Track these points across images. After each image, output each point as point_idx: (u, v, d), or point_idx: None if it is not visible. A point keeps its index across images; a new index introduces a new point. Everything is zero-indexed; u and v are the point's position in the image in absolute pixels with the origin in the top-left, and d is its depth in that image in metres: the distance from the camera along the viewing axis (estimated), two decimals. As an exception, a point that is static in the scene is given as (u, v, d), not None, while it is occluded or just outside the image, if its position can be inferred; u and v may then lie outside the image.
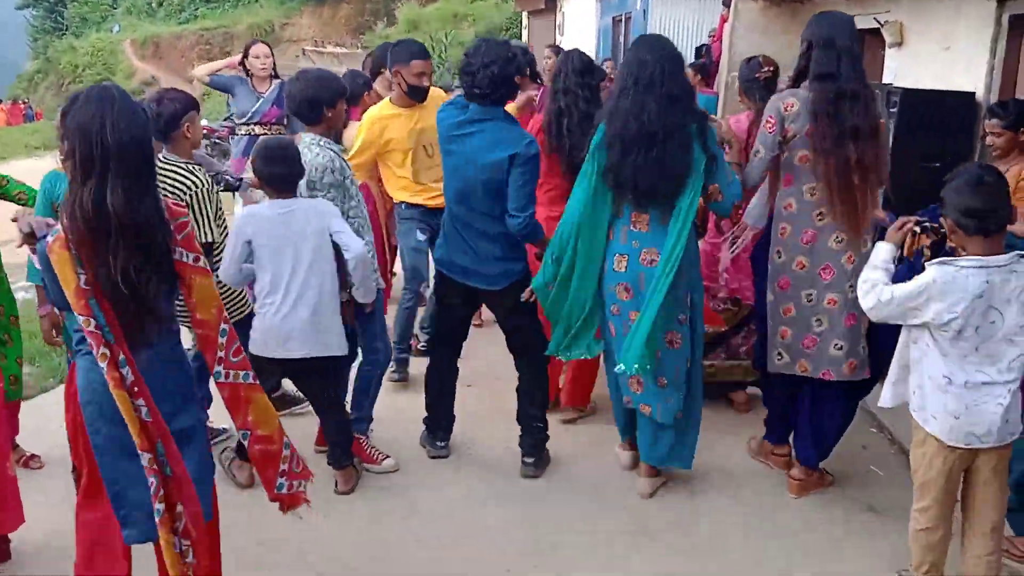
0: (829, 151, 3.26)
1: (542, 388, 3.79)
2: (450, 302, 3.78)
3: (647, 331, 3.17)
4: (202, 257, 2.34)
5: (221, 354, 2.36)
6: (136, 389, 2.24)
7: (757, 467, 3.87)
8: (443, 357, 3.87)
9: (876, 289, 2.68)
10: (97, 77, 39.93)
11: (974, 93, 5.25)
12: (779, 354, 3.53)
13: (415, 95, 4.27)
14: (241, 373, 2.41)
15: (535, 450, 3.76)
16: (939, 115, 5.08)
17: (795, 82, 3.49)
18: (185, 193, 3.41)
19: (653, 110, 3.17)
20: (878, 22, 6.73)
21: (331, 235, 3.32)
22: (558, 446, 3.94)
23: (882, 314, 2.70)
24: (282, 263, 3.28)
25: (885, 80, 6.59)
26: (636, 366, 3.20)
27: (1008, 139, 3.63)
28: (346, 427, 3.67)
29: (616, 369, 3.35)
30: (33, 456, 3.85)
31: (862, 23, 7.35)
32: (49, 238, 2.21)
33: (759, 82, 4.19)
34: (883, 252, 2.76)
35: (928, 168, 4.84)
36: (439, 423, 3.92)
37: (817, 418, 3.56)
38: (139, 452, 2.24)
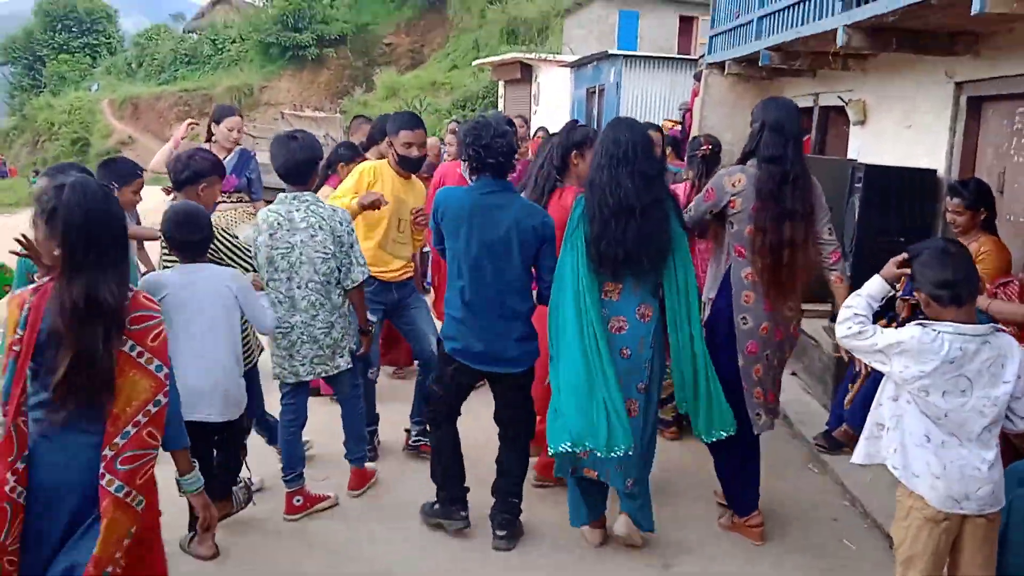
0: (767, 229, 3.46)
1: (524, 464, 3.76)
2: (459, 385, 3.70)
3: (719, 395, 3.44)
4: (148, 355, 2.29)
5: (109, 453, 2.24)
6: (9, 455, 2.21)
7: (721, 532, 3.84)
8: (450, 433, 3.75)
9: (856, 320, 2.73)
10: (73, 135, 40.04)
11: (936, 170, 5.41)
12: (758, 414, 3.65)
13: (404, 165, 4.32)
14: (116, 483, 2.25)
15: (509, 524, 3.71)
16: (902, 191, 5.22)
17: (743, 159, 3.68)
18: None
19: (628, 186, 3.29)
20: (843, 100, 6.95)
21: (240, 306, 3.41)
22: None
23: (851, 344, 2.76)
24: (189, 326, 3.25)
25: (849, 156, 6.78)
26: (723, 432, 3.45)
27: (968, 217, 3.86)
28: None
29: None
30: None
31: (826, 100, 7.60)
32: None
33: (698, 158, 4.83)
34: (875, 286, 2.80)
35: (892, 242, 4.96)
36: (456, 496, 3.76)
37: (754, 464, 3.79)
38: None
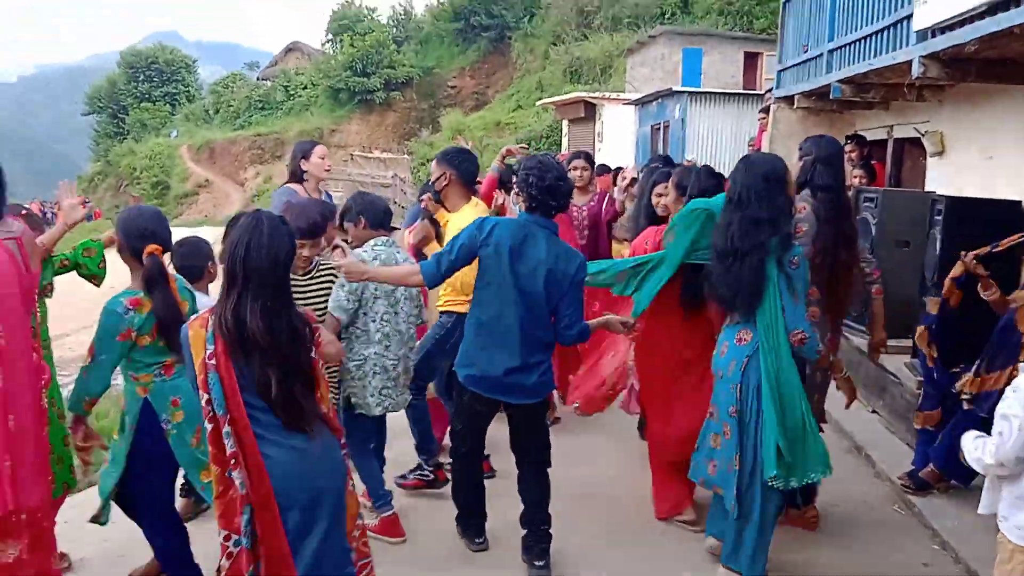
0: (827, 250, 3.78)
1: (548, 489, 3.74)
2: (477, 415, 3.71)
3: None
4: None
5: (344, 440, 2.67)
6: (234, 462, 2.37)
7: None
8: (474, 465, 3.86)
9: (985, 445, 2.56)
10: (154, 179, 41.72)
11: (1020, 201, 5.25)
12: None
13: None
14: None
15: (544, 553, 3.68)
16: (985, 223, 5.05)
17: (797, 190, 3.82)
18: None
19: (735, 229, 3.37)
20: (919, 132, 6.82)
21: None
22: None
23: (1004, 456, 2.50)
24: None
25: (927, 188, 6.63)
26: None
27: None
28: None
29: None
30: (63, 555, 3.56)
31: (901, 132, 7.47)
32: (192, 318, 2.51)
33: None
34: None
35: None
36: (474, 522, 3.91)
37: None
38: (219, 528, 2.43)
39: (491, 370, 3.51)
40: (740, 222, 3.35)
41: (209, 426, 2.39)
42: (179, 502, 3.91)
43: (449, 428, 4.03)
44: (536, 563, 3.66)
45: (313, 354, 2.52)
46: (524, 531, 3.73)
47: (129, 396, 3.12)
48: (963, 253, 4.16)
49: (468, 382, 3.59)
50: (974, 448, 2.59)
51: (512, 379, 3.51)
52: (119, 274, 3.34)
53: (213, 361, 2.36)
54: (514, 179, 4.06)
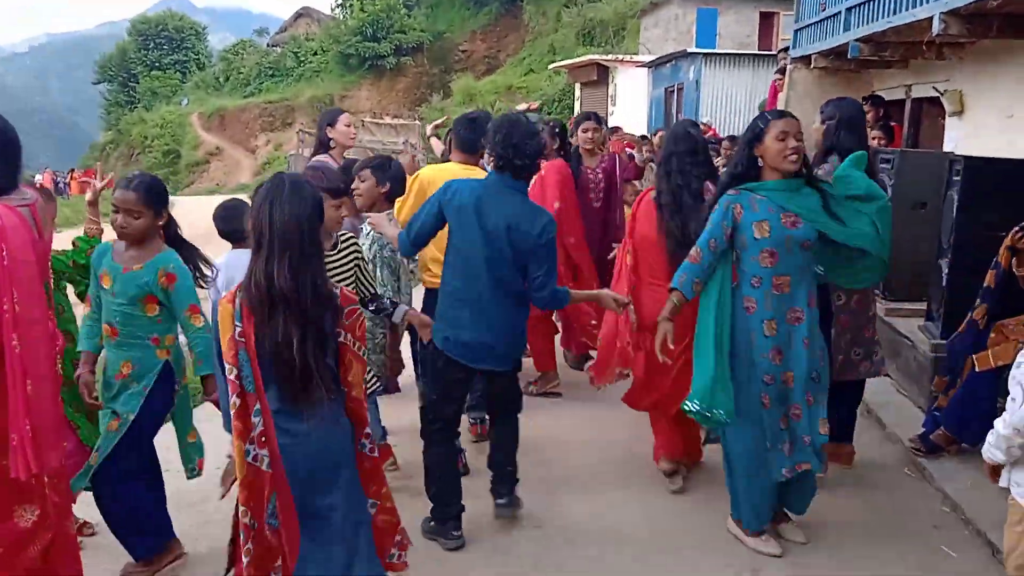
0: None
1: (516, 437, 3.81)
2: (455, 385, 3.62)
3: None
4: (358, 344, 2.49)
5: (368, 430, 2.58)
6: (263, 439, 2.39)
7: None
8: (448, 443, 3.69)
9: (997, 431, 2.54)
10: (165, 147, 41.78)
11: (1040, 161, 5.15)
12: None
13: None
14: (379, 447, 2.66)
15: (511, 491, 3.78)
16: (1005, 183, 4.96)
17: (824, 154, 3.87)
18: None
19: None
20: (938, 91, 6.69)
21: None
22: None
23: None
24: None
25: (946, 148, 6.51)
26: None
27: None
28: None
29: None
30: (86, 523, 3.59)
31: (919, 92, 7.33)
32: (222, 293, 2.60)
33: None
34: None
35: (994, 237, 4.73)
36: (451, 511, 3.64)
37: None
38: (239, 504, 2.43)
39: (462, 334, 3.46)
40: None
41: (237, 401, 2.38)
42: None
43: (420, 407, 3.86)
44: (499, 501, 3.77)
45: (344, 338, 2.45)
46: (491, 473, 3.80)
47: (147, 359, 3.19)
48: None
49: (442, 345, 3.52)
50: (990, 437, 2.58)
51: (483, 344, 3.46)
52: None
53: (243, 340, 2.36)
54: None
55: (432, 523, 3.66)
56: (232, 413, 2.38)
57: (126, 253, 3.16)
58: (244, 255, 3.60)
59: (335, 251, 3.50)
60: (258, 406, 2.37)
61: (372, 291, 3.69)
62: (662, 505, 4.05)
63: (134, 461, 3.21)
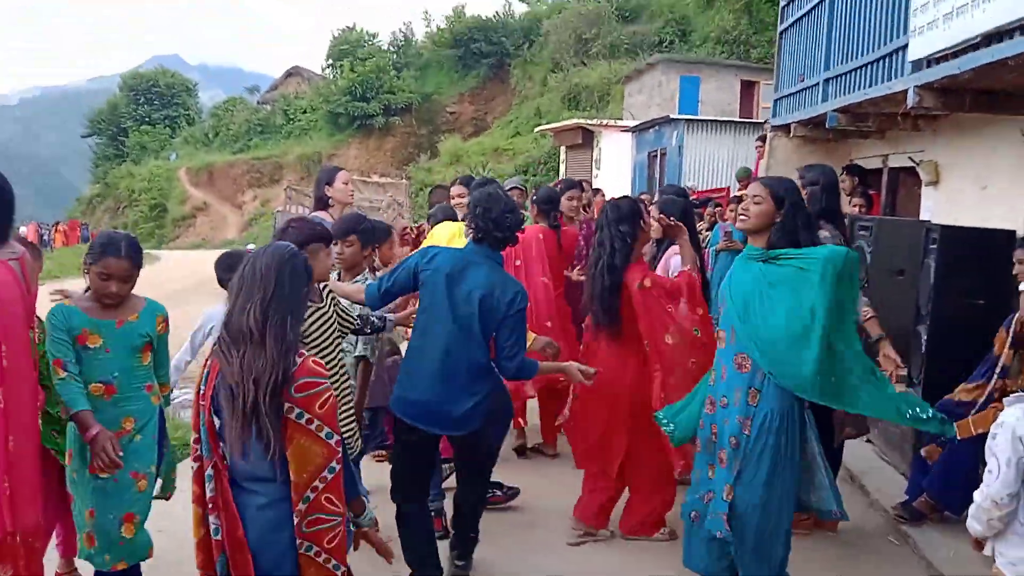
0: None
1: (480, 504, 3.85)
2: (411, 449, 3.59)
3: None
4: (318, 422, 2.28)
5: (295, 520, 2.31)
6: (211, 506, 2.35)
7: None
8: (418, 506, 3.64)
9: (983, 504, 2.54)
10: (152, 201, 41.84)
11: (1015, 231, 5.25)
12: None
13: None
14: (306, 544, 2.32)
15: (468, 555, 3.81)
16: (980, 252, 5.07)
17: (815, 218, 3.86)
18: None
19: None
20: (913, 161, 6.85)
21: None
22: None
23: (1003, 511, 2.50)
24: None
25: (922, 217, 6.64)
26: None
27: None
28: None
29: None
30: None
31: (896, 161, 7.50)
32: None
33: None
34: None
35: (971, 305, 4.81)
36: None
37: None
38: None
39: (412, 394, 3.46)
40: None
41: (195, 465, 2.38)
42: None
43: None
44: (457, 562, 3.79)
45: (288, 410, 2.26)
46: (452, 531, 3.85)
47: (146, 409, 3.24)
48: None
49: (393, 405, 3.53)
50: (971, 509, 2.59)
51: (435, 407, 3.43)
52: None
53: (204, 402, 2.34)
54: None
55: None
56: (192, 477, 2.38)
57: (108, 308, 3.14)
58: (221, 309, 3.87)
59: (322, 302, 3.51)
60: (210, 471, 2.34)
61: (352, 319, 3.71)
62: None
63: None
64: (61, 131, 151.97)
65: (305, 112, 44.66)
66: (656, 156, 18.22)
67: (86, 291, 3.20)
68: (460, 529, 3.81)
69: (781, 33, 9.27)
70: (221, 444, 2.34)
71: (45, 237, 34.58)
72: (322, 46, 45.60)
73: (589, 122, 22.89)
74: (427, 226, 5.31)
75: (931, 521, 4.34)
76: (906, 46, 5.43)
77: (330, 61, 44.30)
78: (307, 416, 2.27)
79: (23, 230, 31.80)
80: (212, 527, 2.35)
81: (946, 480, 4.16)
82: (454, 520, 3.83)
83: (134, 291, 3.22)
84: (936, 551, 4.09)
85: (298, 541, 2.31)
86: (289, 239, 3.21)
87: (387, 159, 39.83)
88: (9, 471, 2.49)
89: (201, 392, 2.37)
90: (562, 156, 26.20)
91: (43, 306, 3.44)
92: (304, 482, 2.28)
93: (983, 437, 3.15)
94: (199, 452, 2.37)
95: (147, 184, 43.01)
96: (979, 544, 2.66)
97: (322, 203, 4.91)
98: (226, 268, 3.89)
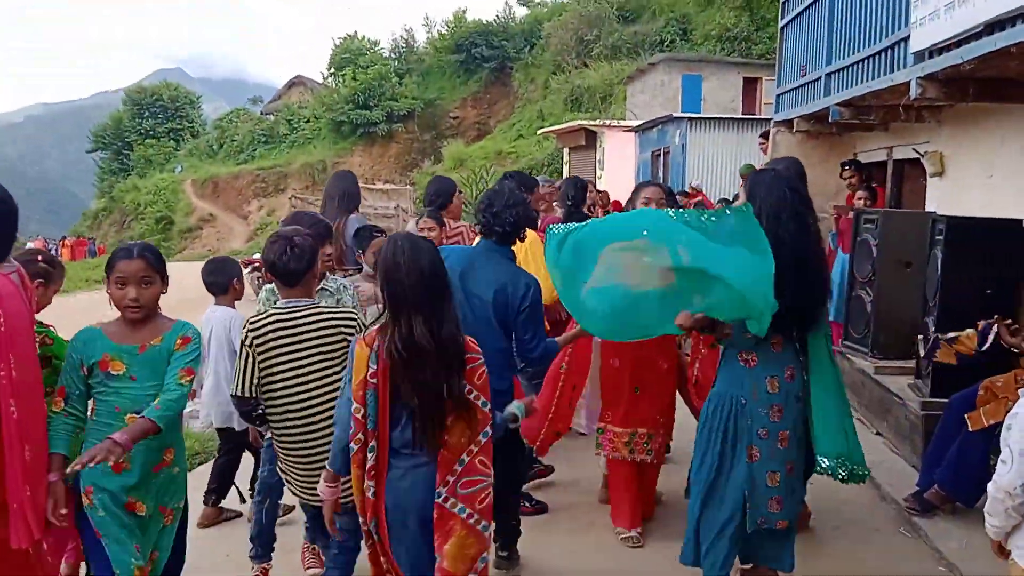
0: None
1: (519, 490, 3.92)
2: None
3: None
4: (475, 392, 2.62)
5: (451, 478, 2.61)
6: (373, 472, 2.60)
7: None
8: None
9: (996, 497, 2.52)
10: (158, 214, 41.97)
11: (1020, 220, 5.23)
12: None
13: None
14: (459, 505, 2.61)
15: (512, 544, 3.85)
16: (987, 242, 5.04)
17: None
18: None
19: (804, 239, 3.19)
20: (919, 153, 6.82)
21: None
22: None
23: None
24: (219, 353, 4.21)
25: (928, 208, 6.62)
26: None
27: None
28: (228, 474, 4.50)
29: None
30: None
31: (900, 153, 7.47)
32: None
33: None
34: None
35: (979, 295, 4.78)
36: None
37: None
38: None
39: None
40: (806, 231, 3.19)
41: (361, 437, 2.59)
42: (201, 512, 4.41)
43: None
44: (500, 553, 3.82)
45: (470, 392, 2.61)
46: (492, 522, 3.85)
47: (179, 438, 3.02)
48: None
49: None
50: (987, 506, 2.56)
51: None
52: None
53: (374, 380, 2.56)
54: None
55: None
56: (355, 447, 2.59)
57: (133, 332, 2.84)
58: (219, 311, 4.20)
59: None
60: (374, 443, 2.58)
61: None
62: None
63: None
64: (67, 147, 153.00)
65: (308, 121, 44.81)
66: (659, 155, 18.21)
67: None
68: (501, 518, 3.74)
69: (782, 28, 9.25)
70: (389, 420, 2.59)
71: (52, 252, 34.77)
72: (324, 51, 45.76)
73: (592, 123, 22.90)
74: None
75: (943, 513, 4.31)
76: (908, 37, 5.41)
77: (332, 70, 44.46)
78: (467, 387, 2.60)
79: (30, 245, 31.97)
80: (370, 491, 2.61)
81: (958, 472, 4.13)
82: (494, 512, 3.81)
83: (165, 313, 2.95)
84: (948, 542, 4.06)
85: (451, 502, 2.59)
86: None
87: (391, 166, 39.93)
88: (28, 480, 2.51)
89: (371, 371, 2.55)
90: (565, 158, 26.21)
91: (71, 320, 3.42)
92: (462, 446, 2.60)
93: (994, 428, 3.14)
94: (364, 425, 2.57)
95: (153, 197, 43.16)
96: (1002, 550, 2.63)
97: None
98: (211, 272, 4.32)
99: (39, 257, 3.45)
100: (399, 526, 2.64)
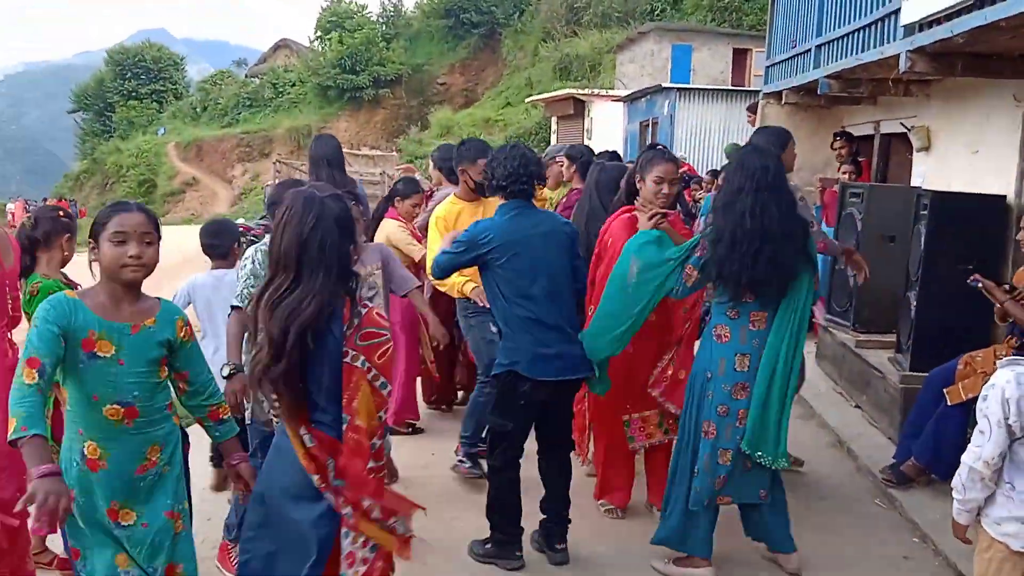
0: None
1: (570, 476, 3.79)
2: (534, 408, 3.62)
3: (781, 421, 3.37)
4: (374, 371, 2.40)
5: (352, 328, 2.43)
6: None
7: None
8: (515, 477, 3.69)
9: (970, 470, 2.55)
10: (140, 177, 41.51)
11: (1005, 196, 5.24)
12: None
13: (480, 191, 4.45)
14: (361, 359, 2.41)
15: (564, 537, 3.75)
16: (970, 218, 5.06)
17: None
18: None
19: (773, 212, 3.26)
20: (905, 127, 6.81)
21: None
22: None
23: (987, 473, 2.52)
24: (213, 319, 3.88)
25: (913, 183, 6.63)
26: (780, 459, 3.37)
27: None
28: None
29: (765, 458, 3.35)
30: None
31: (888, 127, 7.46)
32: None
33: None
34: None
35: (962, 270, 4.80)
36: (515, 537, 3.72)
37: None
38: None
39: (549, 350, 3.50)
40: (779, 204, 3.27)
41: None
42: (211, 474, 4.23)
43: (488, 439, 3.88)
44: (557, 546, 3.73)
45: (349, 357, 2.39)
46: (544, 516, 3.76)
47: (172, 434, 2.60)
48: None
49: (528, 369, 3.49)
50: (963, 480, 2.58)
51: (567, 355, 3.53)
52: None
53: None
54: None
55: (490, 546, 3.72)
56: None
57: (122, 308, 2.43)
58: (201, 277, 3.98)
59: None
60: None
61: None
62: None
63: None
64: (47, 107, 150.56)
65: (294, 85, 44.27)
66: (648, 125, 18.14)
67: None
68: (554, 510, 3.74)
69: (773, -1, 9.17)
70: None
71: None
72: (311, 18, 45.10)
73: (581, 92, 22.75)
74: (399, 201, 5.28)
75: (918, 485, 4.37)
76: (898, 10, 5.37)
77: (319, 33, 43.82)
78: (368, 364, 2.43)
79: (10, 207, 31.60)
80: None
81: (935, 445, 4.18)
82: (547, 502, 3.75)
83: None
84: (923, 514, 4.12)
85: (352, 354, 2.37)
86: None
87: (377, 131, 39.58)
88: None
89: None
90: (553, 127, 26.06)
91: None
92: (363, 428, 2.38)
93: (973, 402, 3.17)
94: None
95: (135, 160, 42.64)
96: (965, 533, 2.67)
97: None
98: (213, 235, 4.03)
99: (60, 213, 3.44)
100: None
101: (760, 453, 3.34)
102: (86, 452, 2.36)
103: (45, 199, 38.66)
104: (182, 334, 2.51)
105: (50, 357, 2.22)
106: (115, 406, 2.36)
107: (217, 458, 4.33)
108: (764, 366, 3.32)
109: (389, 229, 5.16)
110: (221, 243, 3.99)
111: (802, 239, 3.35)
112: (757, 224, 3.22)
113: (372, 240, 4.90)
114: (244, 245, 4.32)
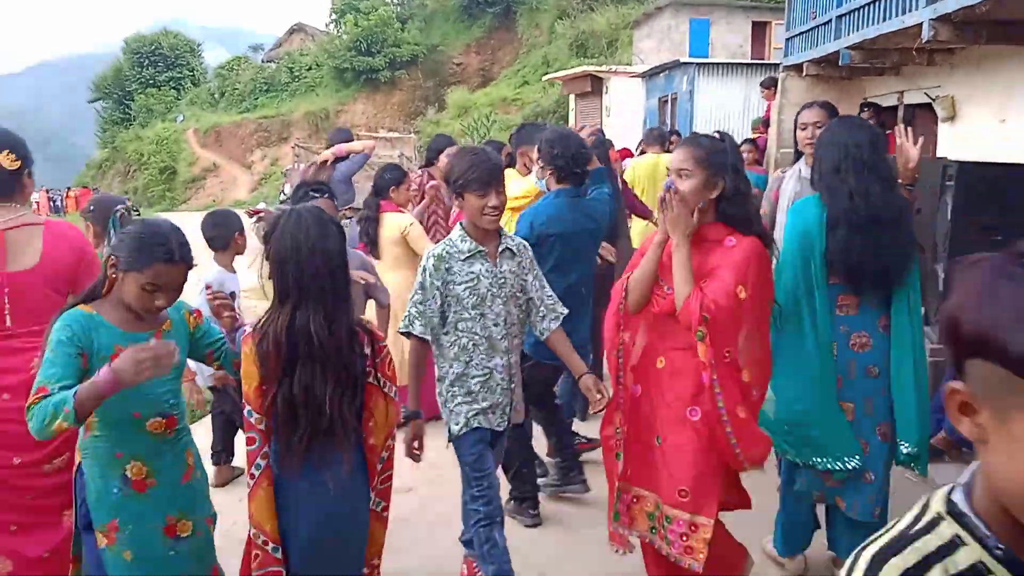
0: None
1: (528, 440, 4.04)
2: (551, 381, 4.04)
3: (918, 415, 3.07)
4: (394, 387, 2.45)
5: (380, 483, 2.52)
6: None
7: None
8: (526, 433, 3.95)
9: None
10: (161, 164, 41.78)
11: (1033, 165, 5.18)
12: None
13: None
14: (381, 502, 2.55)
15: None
16: (998, 187, 5.00)
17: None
18: None
19: (876, 192, 2.97)
20: (929, 97, 6.73)
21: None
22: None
23: None
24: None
25: (939, 154, 6.54)
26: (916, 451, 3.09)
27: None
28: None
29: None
30: None
31: (912, 98, 7.37)
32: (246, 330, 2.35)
33: None
34: None
35: (990, 241, 4.75)
36: (534, 491, 4.00)
37: None
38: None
39: (574, 334, 3.50)
40: (880, 183, 2.97)
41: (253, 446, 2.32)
42: (212, 470, 4.26)
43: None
44: (531, 511, 3.97)
45: (372, 378, 2.37)
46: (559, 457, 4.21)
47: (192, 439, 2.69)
48: None
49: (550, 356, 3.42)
50: None
51: (578, 336, 3.60)
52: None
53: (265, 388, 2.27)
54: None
55: (510, 502, 3.94)
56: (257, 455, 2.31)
57: (138, 319, 2.35)
58: (206, 275, 3.90)
59: None
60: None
61: None
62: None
63: None
64: (69, 98, 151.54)
65: (310, 69, 44.23)
66: (667, 101, 17.97)
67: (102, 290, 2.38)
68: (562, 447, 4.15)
69: (792, -31, 9.04)
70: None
71: (57, 203, 34.72)
72: (325, 1, 45.02)
73: (598, 69, 22.55)
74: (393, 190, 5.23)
75: (950, 458, 4.36)
76: (921, -23, 5.30)
77: (334, 16, 43.70)
78: (383, 379, 2.50)
79: (34, 197, 31.92)
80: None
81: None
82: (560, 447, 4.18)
83: None
84: (954, 487, 4.11)
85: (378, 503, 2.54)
86: None
87: (394, 113, 39.51)
88: None
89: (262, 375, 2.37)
90: (571, 104, 25.88)
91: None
92: (379, 446, 2.48)
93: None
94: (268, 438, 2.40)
95: (155, 147, 42.87)
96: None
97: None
98: (213, 226, 4.15)
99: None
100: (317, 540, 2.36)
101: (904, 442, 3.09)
102: (130, 475, 2.30)
103: (68, 188, 39.06)
104: (192, 322, 2.50)
105: (65, 381, 2.10)
106: (158, 419, 2.34)
107: (217, 455, 4.43)
108: (900, 358, 3.06)
109: (403, 226, 5.04)
110: (220, 234, 4.11)
111: (909, 222, 3.10)
112: (868, 208, 2.93)
113: (377, 237, 4.93)
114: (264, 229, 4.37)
